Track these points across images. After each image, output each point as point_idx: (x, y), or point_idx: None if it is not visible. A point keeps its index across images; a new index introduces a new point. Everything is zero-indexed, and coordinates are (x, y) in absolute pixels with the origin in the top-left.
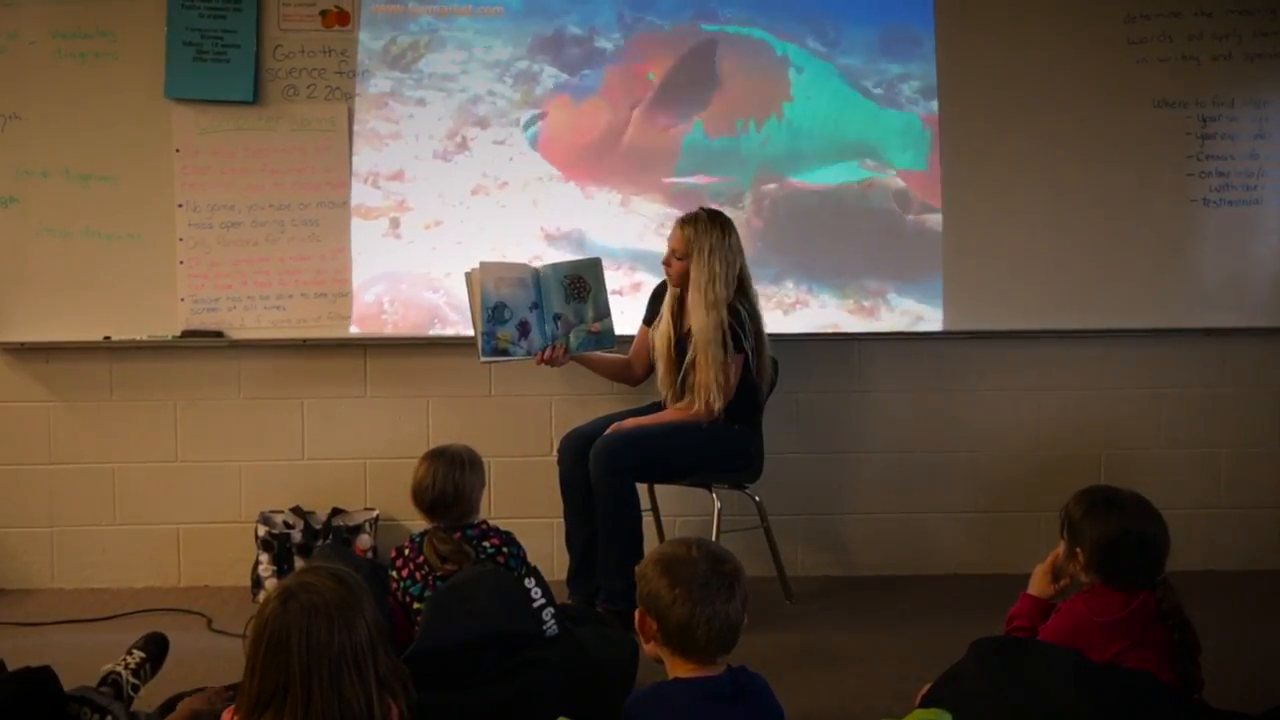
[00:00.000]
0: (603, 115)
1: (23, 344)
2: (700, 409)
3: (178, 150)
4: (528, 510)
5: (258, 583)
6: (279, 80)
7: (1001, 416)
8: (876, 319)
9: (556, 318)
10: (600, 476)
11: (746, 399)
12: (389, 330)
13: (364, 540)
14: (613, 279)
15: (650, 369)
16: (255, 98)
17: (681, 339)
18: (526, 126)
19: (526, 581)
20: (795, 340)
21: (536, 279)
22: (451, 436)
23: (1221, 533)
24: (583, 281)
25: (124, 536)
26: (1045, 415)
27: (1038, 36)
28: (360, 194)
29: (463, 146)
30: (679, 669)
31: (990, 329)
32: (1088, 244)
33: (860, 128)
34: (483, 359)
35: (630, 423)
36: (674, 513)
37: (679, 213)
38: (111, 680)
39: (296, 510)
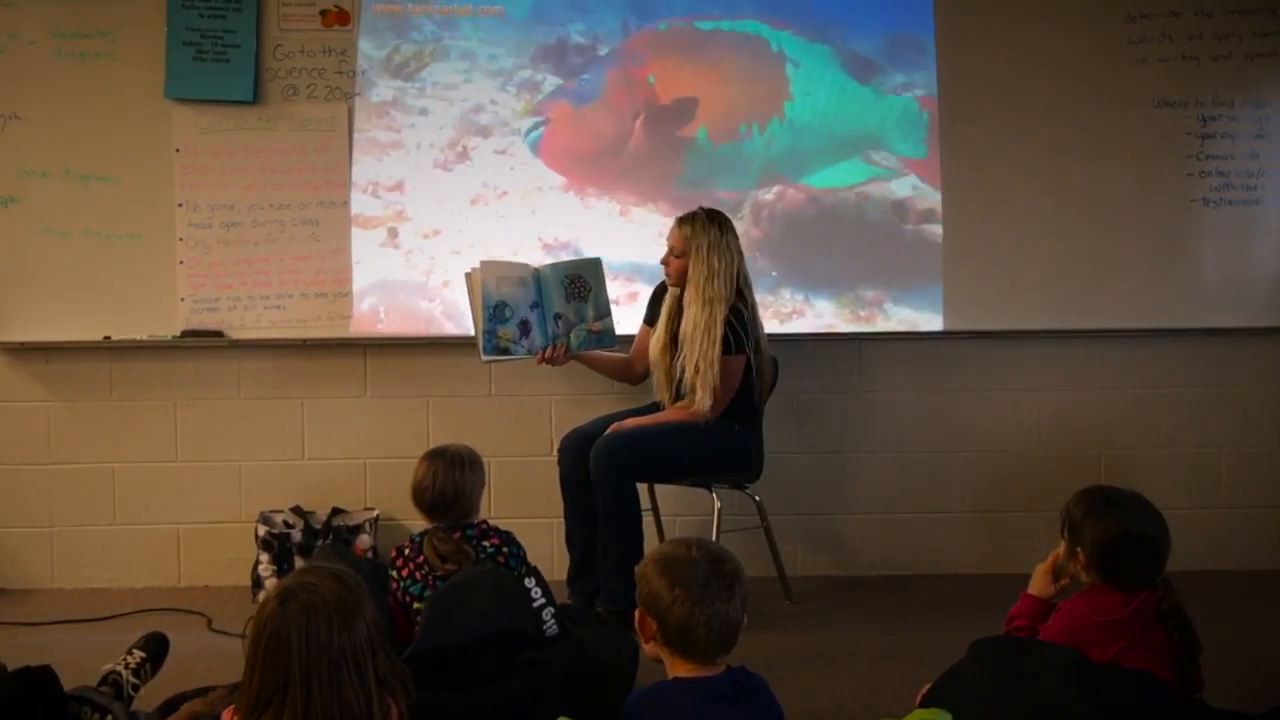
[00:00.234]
0: (605, 121)
1: (23, 344)
2: (700, 409)
3: (178, 150)
4: (527, 510)
5: (258, 582)
6: (279, 80)
7: (1001, 416)
8: (874, 328)
9: (557, 317)
10: (600, 476)
11: (746, 399)
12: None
13: (364, 540)
14: (610, 289)
15: (650, 368)
16: (255, 98)
17: (676, 341)
18: (528, 133)
19: (526, 581)
20: (796, 340)
21: (537, 278)
22: (451, 436)
23: (1222, 533)
24: (583, 281)
25: (124, 536)
26: (1045, 415)
27: (1038, 36)
28: (359, 203)
29: (463, 156)
30: (679, 669)
31: (990, 329)
32: (1088, 244)
33: (860, 118)
34: (484, 358)
35: (630, 422)
36: (674, 512)
37: None
38: (112, 680)
39: (296, 510)
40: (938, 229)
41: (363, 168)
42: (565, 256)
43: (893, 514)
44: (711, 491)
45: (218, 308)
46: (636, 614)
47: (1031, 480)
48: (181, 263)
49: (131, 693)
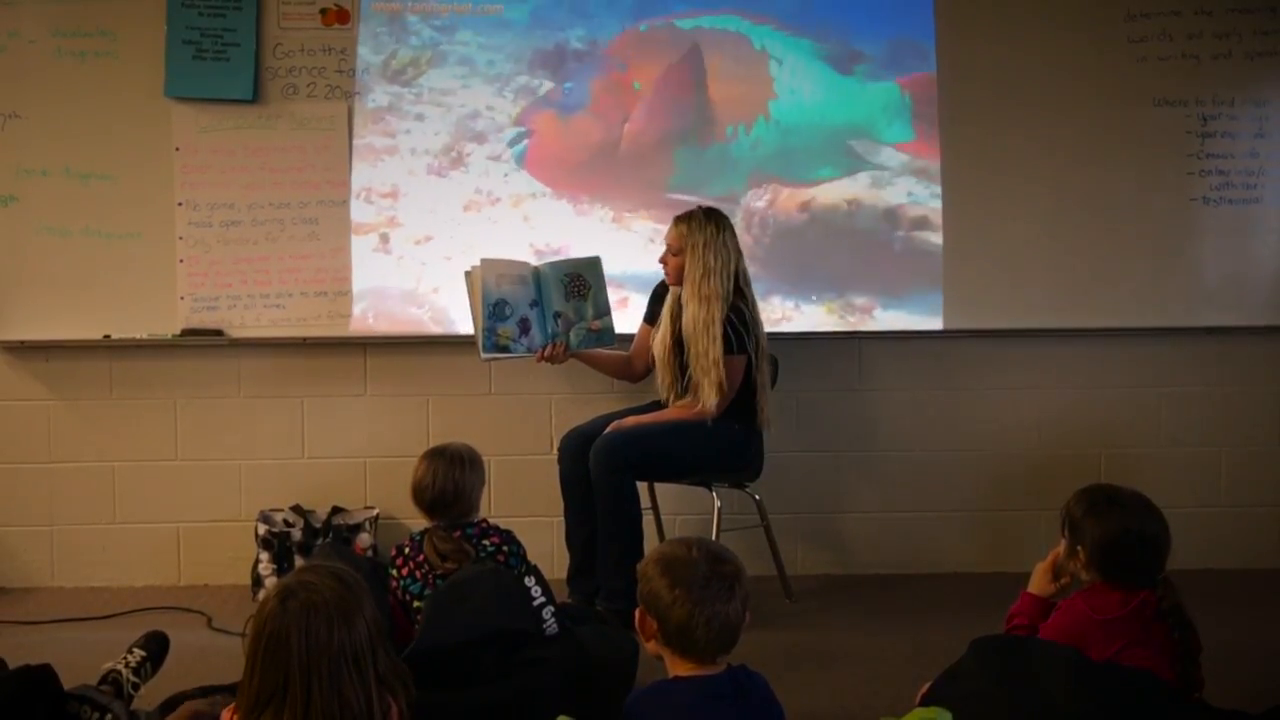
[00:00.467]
0: (593, 129)
1: (23, 342)
2: (700, 408)
3: (177, 149)
4: (527, 509)
5: (258, 581)
6: (279, 79)
7: (1001, 415)
8: (873, 327)
9: (557, 315)
10: (600, 475)
11: (746, 398)
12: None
13: (364, 539)
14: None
15: (651, 366)
16: (255, 96)
17: (680, 339)
18: (512, 144)
19: (526, 580)
20: (796, 339)
21: (536, 276)
22: (451, 435)
23: (1222, 531)
24: (582, 280)
25: (124, 535)
26: (1045, 414)
27: (1038, 34)
28: (353, 209)
29: (458, 162)
30: (679, 668)
31: (990, 328)
32: (1088, 243)
33: (845, 110)
34: (483, 356)
35: (631, 421)
36: (674, 511)
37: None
38: (112, 679)
39: (296, 509)
40: (936, 230)
41: (357, 174)
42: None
43: (893, 513)
44: (711, 490)
45: (217, 306)
46: (637, 613)
47: (1031, 479)
48: (181, 261)
49: (132, 691)
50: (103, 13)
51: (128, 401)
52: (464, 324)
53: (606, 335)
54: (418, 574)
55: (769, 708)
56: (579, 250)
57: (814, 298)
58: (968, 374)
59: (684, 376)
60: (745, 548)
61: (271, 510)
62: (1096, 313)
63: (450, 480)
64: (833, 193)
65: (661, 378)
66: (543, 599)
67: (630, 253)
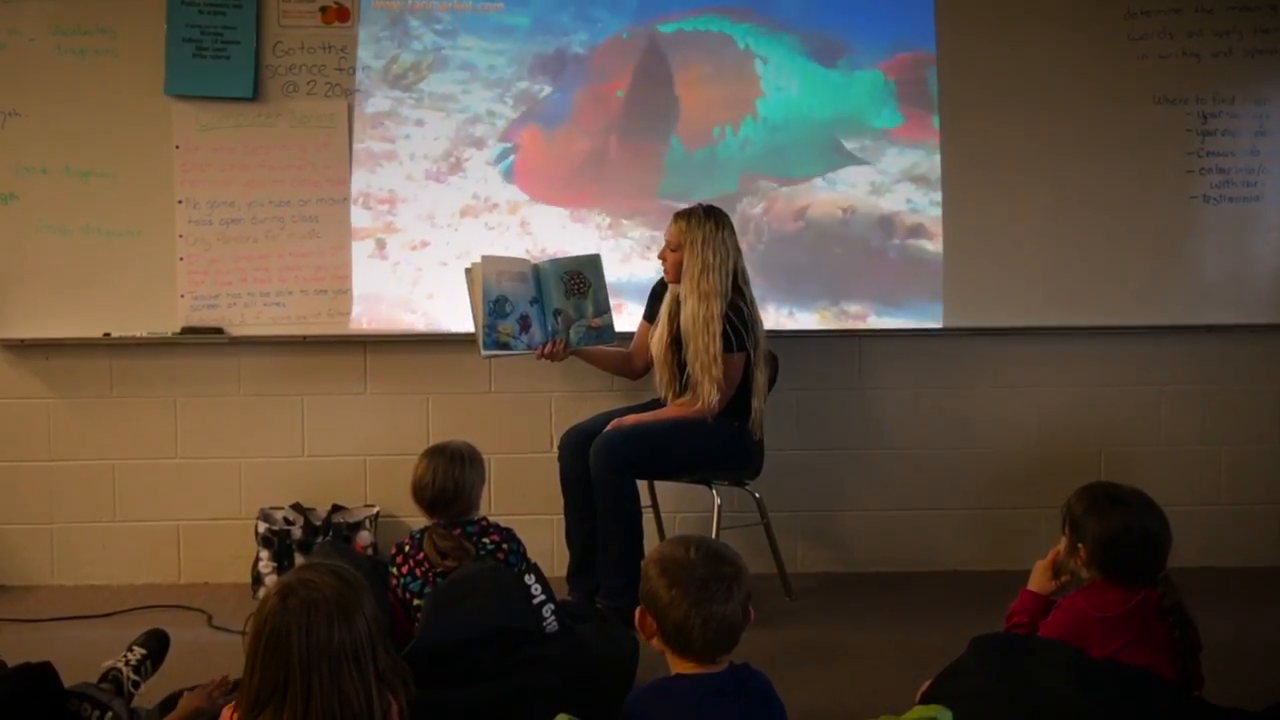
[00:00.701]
0: (577, 140)
1: (23, 341)
2: (700, 405)
3: (177, 147)
4: (528, 507)
5: (258, 579)
6: (279, 77)
7: (1002, 413)
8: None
9: (556, 313)
10: (601, 473)
11: (747, 396)
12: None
13: (364, 537)
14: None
15: (651, 364)
16: (255, 94)
17: (678, 338)
18: (499, 161)
19: (526, 578)
20: (796, 337)
21: (536, 274)
22: (451, 433)
23: (1222, 529)
24: (582, 278)
25: (124, 533)
26: (1046, 412)
27: (1038, 32)
28: (351, 214)
29: (456, 167)
30: (680, 666)
31: (990, 326)
32: (1088, 241)
33: (831, 103)
34: (484, 353)
35: (630, 419)
36: (674, 510)
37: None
38: (112, 677)
39: (296, 507)
40: (934, 238)
41: (356, 179)
42: None
43: (893, 511)
44: (711, 488)
45: (217, 304)
46: (638, 611)
47: (1031, 477)
48: (181, 259)
49: (132, 689)
50: (103, 10)
51: (128, 399)
52: (459, 326)
53: (606, 333)
54: (418, 572)
55: (770, 705)
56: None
57: (810, 305)
58: (968, 372)
59: (682, 374)
60: (745, 546)
61: (272, 508)
62: (1096, 311)
63: (450, 478)
64: (828, 199)
65: (660, 376)
66: (543, 597)
67: (620, 258)
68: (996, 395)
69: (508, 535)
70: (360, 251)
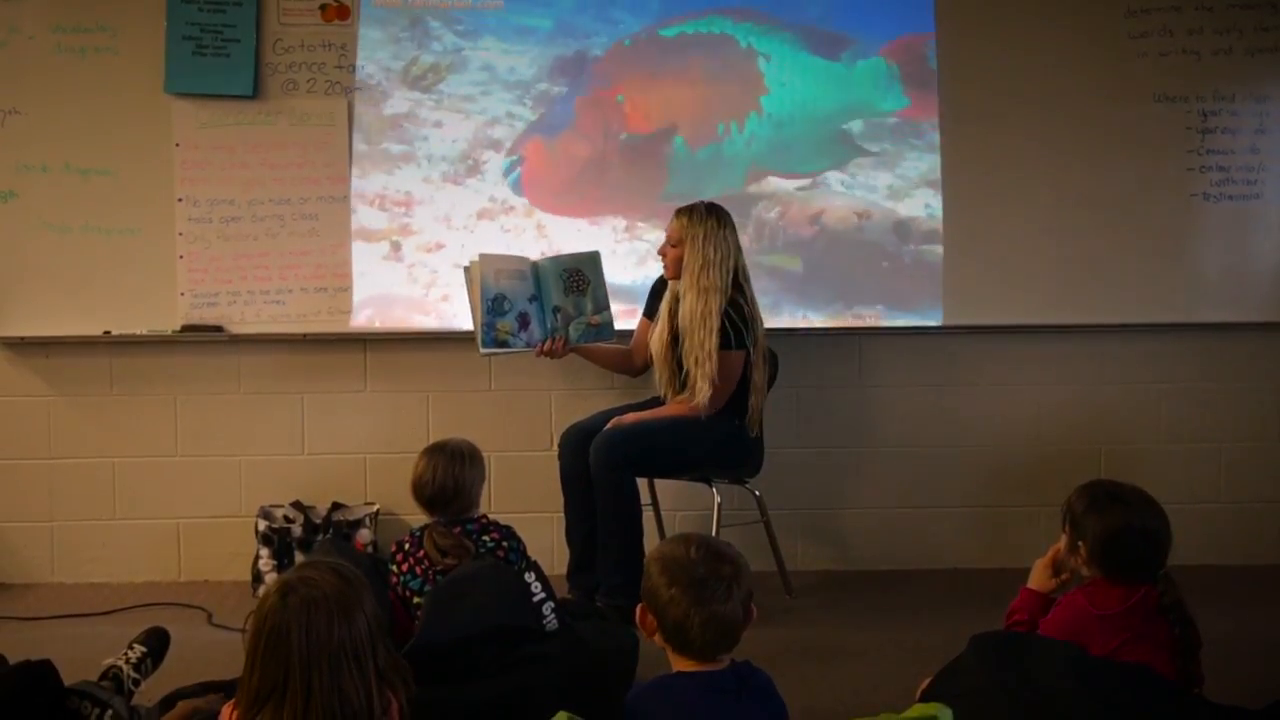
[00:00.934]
0: (580, 148)
1: (23, 338)
2: (699, 403)
3: (177, 145)
4: (528, 505)
5: (258, 577)
6: (279, 75)
7: (1002, 411)
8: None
9: (556, 310)
10: (601, 471)
11: (747, 394)
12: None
13: (364, 535)
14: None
15: (650, 361)
16: (255, 92)
17: (678, 335)
18: (507, 173)
19: (526, 576)
20: (796, 335)
21: (535, 271)
22: (451, 431)
23: (1222, 527)
24: (581, 275)
25: (124, 531)
26: (1046, 410)
27: (1038, 30)
28: (366, 216)
29: (474, 170)
30: (681, 663)
31: (990, 324)
32: (1088, 239)
33: (837, 95)
34: (483, 351)
35: (630, 417)
36: (674, 508)
37: None
38: (113, 675)
39: (296, 505)
40: (936, 238)
41: (371, 181)
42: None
43: (893, 509)
44: (712, 486)
45: (217, 303)
46: (639, 608)
47: (1031, 475)
48: (181, 257)
49: (132, 687)
50: (103, 8)
51: (128, 397)
52: (459, 324)
53: (606, 330)
54: (418, 570)
55: (770, 703)
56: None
57: (822, 308)
58: (968, 370)
59: (682, 372)
60: (745, 543)
61: (272, 506)
62: (1096, 309)
63: (450, 476)
64: (841, 205)
65: (660, 374)
66: (543, 595)
67: (635, 261)
68: (996, 393)
69: (508, 533)
70: (375, 253)
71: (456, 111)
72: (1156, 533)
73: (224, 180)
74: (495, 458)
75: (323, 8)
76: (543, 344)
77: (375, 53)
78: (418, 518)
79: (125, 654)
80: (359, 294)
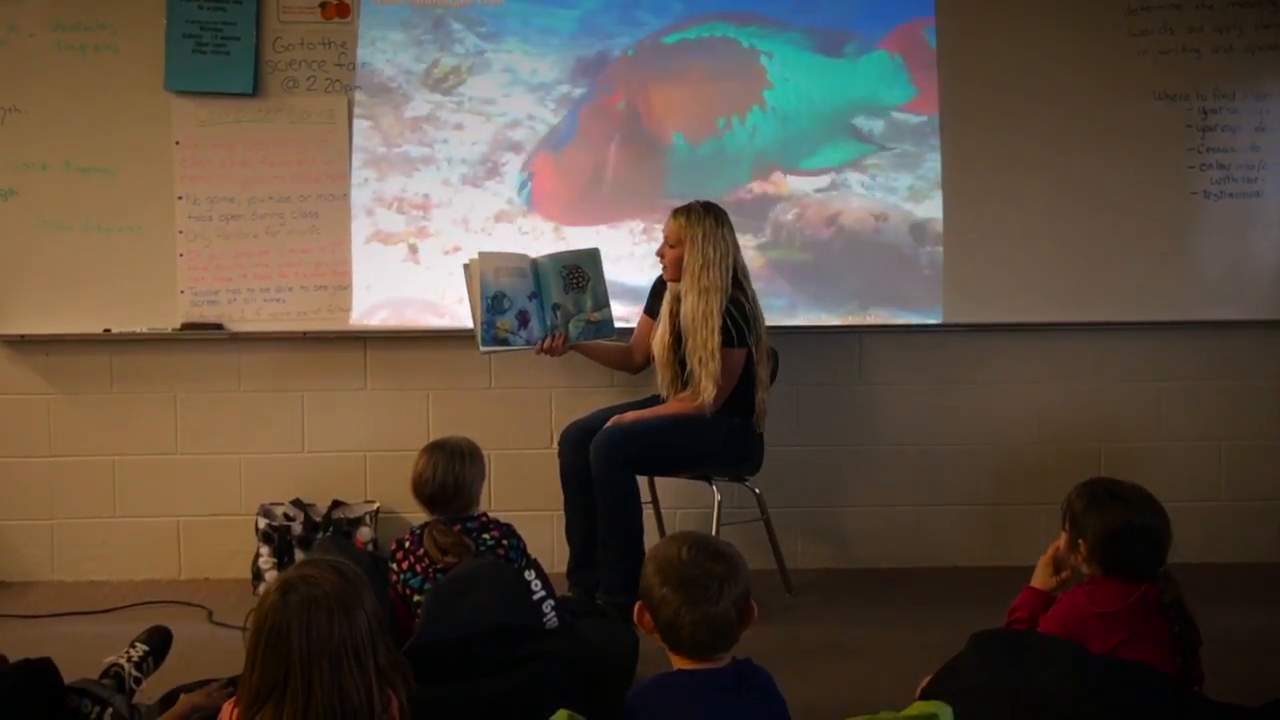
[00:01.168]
0: (584, 158)
1: (23, 336)
2: (700, 401)
3: (177, 143)
4: (528, 503)
5: (258, 575)
6: (278, 72)
7: (1002, 409)
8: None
9: (555, 308)
10: (601, 469)
11: (746, 392)
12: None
13: (364, 533)
14: (620, 308)
15: (651, 359)
16: (255, 90)
17: (679, 335)
18: (520, 189)
19: (526, 574)
20: (796, 333)
21: (535, 269)
22: (451, 429)
23: (1222, 525)
24: (581, 272)
25: (124, 529)
26: (1046, 408)
27: (1038, 28)
28: (384, 219)
29: (493, 172)
30: (680, 661)
31: (990, 322)
32: (1088, 237)
33: (842, 90)
34: (483, 349)
35: (631, 416)
36: (674, 505)
37: None
38: (114, 673)
39: (297, 503)
40: (937, 222)
41: (390, 183)
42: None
43: (893, 507)
44: (712, 484)
45: (217, 300)
46: (636, 606)
47: (1031, 473)
48: (181, 255)
49: (133, 685)
50: (103, 6)
51: (128, 395)
52: (459, 322)
53: (605, 327)
54: (418, 568)
55: (771, 701)
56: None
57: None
58: (968, 368)
59: (683, 372)
60: (745, 542)
61: (272, 504)
62: (1096, 307)
63: (450, 474)
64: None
65: (661, 375)
66: (543, 593)
67: (652, 265)
68: (996, 391)
69: (508, 531)
70: (393, 256)
71: (477, 114)
72: (1156, 531)
73: (224, 178)
74: (495, 456)
75: (323, 5)
76: (542, 341)
77: (397, 55)
78: (418, 516)
79: (127, 652)
80: (374, 297)
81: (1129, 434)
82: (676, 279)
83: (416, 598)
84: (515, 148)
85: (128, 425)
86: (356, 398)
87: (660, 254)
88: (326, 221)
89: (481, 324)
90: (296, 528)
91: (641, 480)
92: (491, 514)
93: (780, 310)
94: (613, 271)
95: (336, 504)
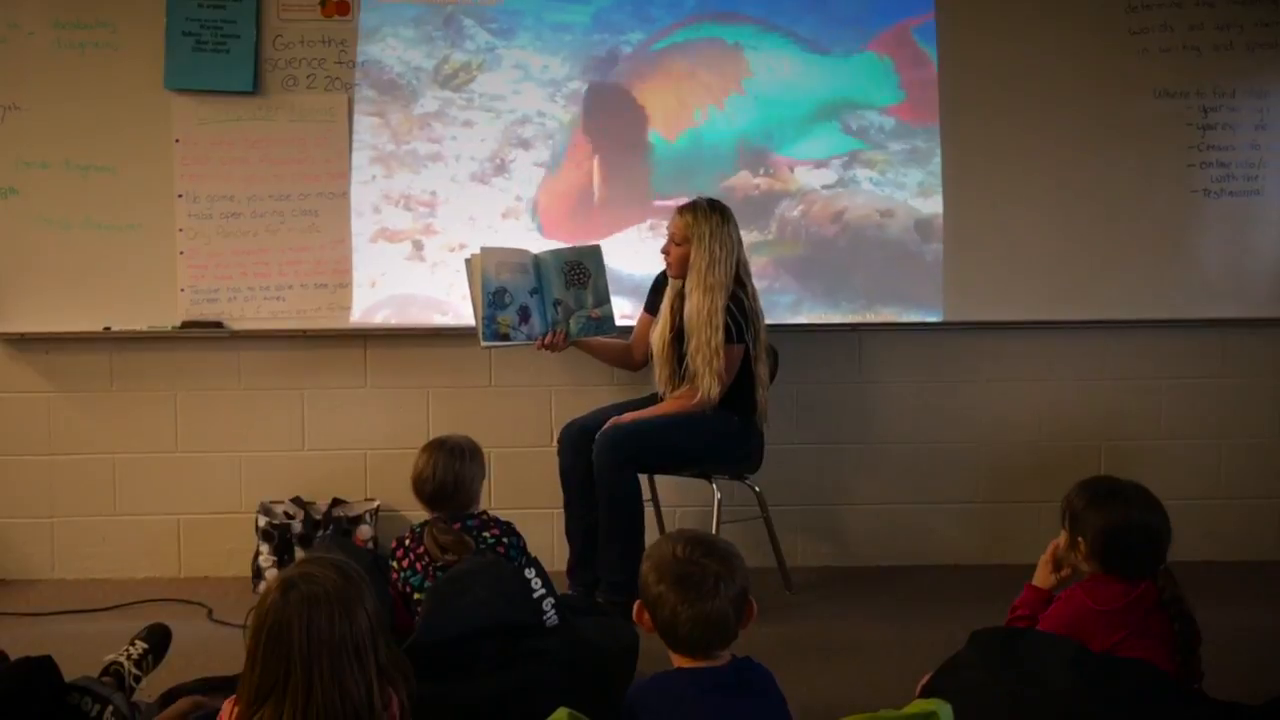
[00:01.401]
0: (575, 176)
1: (23, 335)
2: (701, 396)
3: (177, 141)
4: (528, 501)
5: (258, 573)
6: (278, 70)
7: (1002, 407)
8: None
9: (556, 303)
10: (603, 468)
11: (746, 390)
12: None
13: (364, 531)
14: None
15: (651, 356)
16: (255, 88)
17: (680, 333)
18: (534, 216)
19: (526, 572)
20: (796, 331)
21: (536, 264)
22: (452, 427)
23: (1222, 523)
24: (582, 268)
25: (124, 527)
26: (1046, 406)
27: (1038, 26)
28: (390, 216)
29: (501, 169)
30: (679, 659)
31: (990, 320)
32: (1088, 235)
33: (828, 85)
34: (484, 344)
35: (631, 416)
36: (674, 503)
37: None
38: (114, 670)
39: (297, 501)
40: (937, 220)
41: (397, 181)
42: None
43: (893, 505)
44: (712, 483)
45: (218, 298)
46: (636, 605)
47: (1031, 471)
48: (181, 253)
49: (133, 684)
50: (103, 4)
51: (128, 393)
52: (459, 319)
53: (606, 323)
54: (418, 566)
55: (771, 699)
56: (611, 252)
57: (822, 300)
58: (968, 366)
59: (682, 368)
60: (745, 539)
61: (272, 502)
62: (1096, 305)
63: (450, 472)
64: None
65: (659, 372)
66: (543, 591)
67: (660, 263)
68: (996, 389)
69: (508, 529)
70: (397, 253)
71: (487, 110)
72: (1156, 528)
73: (224, 176)
74: (495, 454)
75: (322, 3)
76: (543, 337)
77: (407, 51)
78: (418, 514)
79: (127, 650)
80: (378, 294)
81: (1129, 432)
82: (680, 276)
83: (417, 596)
84: (524, 144)
85: (128, 423)
86: (357, 396)
87: (665, 251)
88: (327, 219)
89: (483, 319)
90: (296, 526)
91: (642, 478)
92: (491, 512)
93: (785, 307)
94: (615, 264)
95: (336, 502)
